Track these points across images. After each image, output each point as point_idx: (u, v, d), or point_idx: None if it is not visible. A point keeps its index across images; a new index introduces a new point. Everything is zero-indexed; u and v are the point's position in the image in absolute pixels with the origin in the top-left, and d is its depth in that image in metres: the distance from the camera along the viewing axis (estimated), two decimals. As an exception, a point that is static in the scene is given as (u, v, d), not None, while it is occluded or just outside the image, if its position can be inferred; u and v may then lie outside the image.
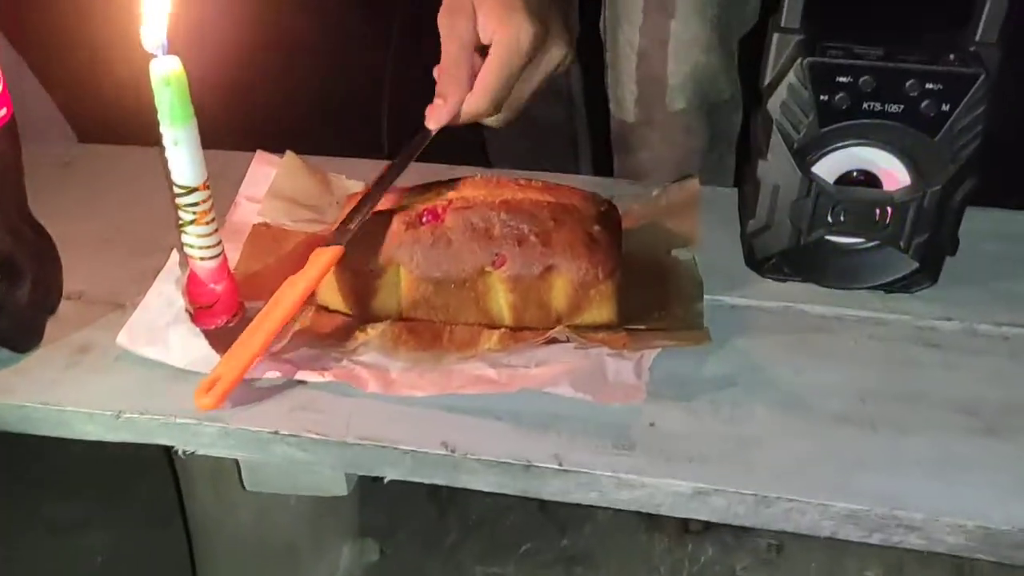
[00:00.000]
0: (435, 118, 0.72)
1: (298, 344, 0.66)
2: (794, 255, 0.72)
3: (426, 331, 0.68)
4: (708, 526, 1.15)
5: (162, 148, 0.62)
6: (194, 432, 0.62)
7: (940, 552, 0.56)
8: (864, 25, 0.68)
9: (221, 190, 0.79)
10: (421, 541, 1.14)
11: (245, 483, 0.66)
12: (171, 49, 0.59)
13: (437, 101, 0.72)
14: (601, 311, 0.67)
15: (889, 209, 0.69)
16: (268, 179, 0.82)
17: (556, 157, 1.26)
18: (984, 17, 0.65)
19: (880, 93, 0.65)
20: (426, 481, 0.61)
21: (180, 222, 0.64)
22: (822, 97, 0.66)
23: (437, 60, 0.73)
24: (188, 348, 0.63)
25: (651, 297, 0.71)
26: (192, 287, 0.67)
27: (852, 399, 0.63)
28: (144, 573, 1.11)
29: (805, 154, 0.68)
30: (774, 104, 0.67)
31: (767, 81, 0.68)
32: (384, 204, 0.70)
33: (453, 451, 0.59)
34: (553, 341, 0.66)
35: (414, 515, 1.15)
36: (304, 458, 0.61)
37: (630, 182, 0.90)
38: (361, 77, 1.50)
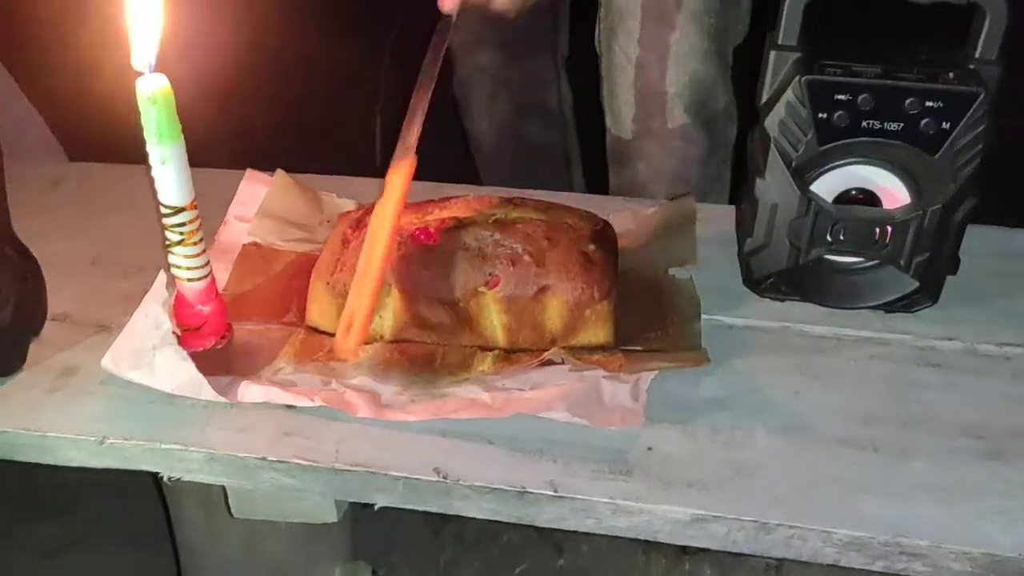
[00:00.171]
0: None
1: (287, 367, 0.65)
2: (793, 274, 0.71)
3: (418, 353, 0.66)
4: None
5: (149, 167, 0.61)
6: (180, 458, 0.60)
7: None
8: (862, 43, 0.67)
9: (211, 209, 0.78)
10: (415, 562, 1.12)
11: (232, 510, 0.65)
12: (160, 66, 0.58)
13: None
14: (597, 332, 0.66)
15: (889, 228, 0.68)
16: (258, 198, 0.81)
17: (549, 175, 1.26)
18: (983, 34, 0.64)
19: (879, 111, 0.64)
20: (418, 508, 0.59)
21: (167, 242, 0.63)
22: (820, 115, 0.65)
23: None
24: (174, 372, 0.62)
25: (648, 317, 0.70)
26: (179, 309, 0.65)
27: (853, 422, 0.62)
28: (132, 597, 1.09)
29: (803, 172, 0.67)
30: (772, 122, 0.66)
31: (764, 99, 0.67)
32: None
33: (445, 477, 0.57)
34: (548, 363, 0.64)
35: (408, 535, 1.14)
36: (292, 485, 0.60)
37: (626, 199, 0.89)
38: (354, 93, 1.50)
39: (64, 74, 1.27)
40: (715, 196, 1.04)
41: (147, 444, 0.60)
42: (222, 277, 0.74)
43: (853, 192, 0.68)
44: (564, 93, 1.23)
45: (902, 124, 0.64)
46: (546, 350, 0.65)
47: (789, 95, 0.65)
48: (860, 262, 0.70)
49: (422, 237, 0.67)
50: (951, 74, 0.64)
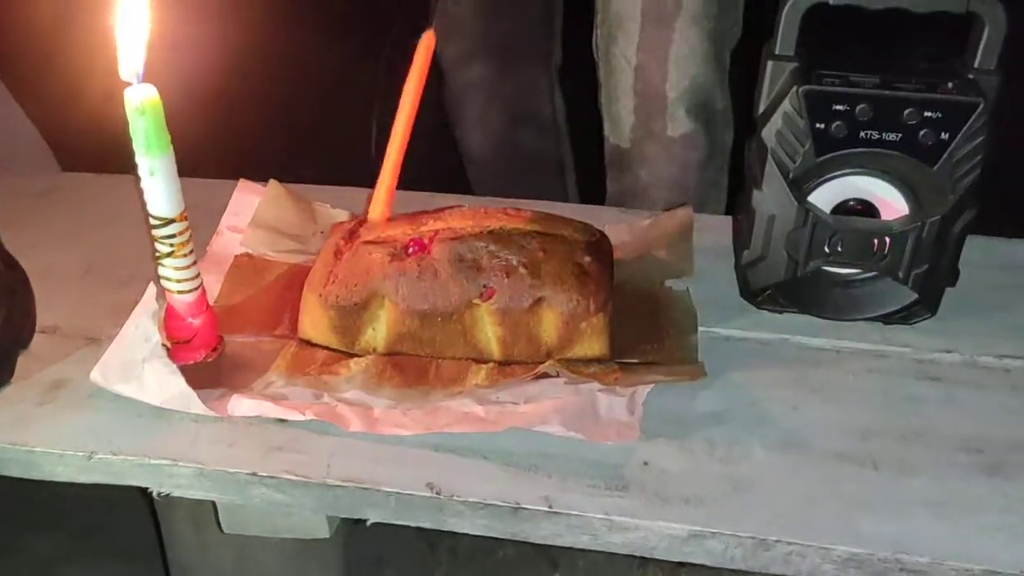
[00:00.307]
0: None
1: (279, 380, 0.64)
2: (790, 286, 0.70)
3: (412, 366, 0.65)
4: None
5: (138, 178, 0.60)
6: (169, 473, 0.59)
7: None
8: (860, 52, 0.67)
9: (203, 219, 0.78)
10: (410, 576, 1.11)
11: (223, 525, 0.64)
12: (151, 75, 0.57)
13: None
14: (592, 344, 0.65)
15: (887, 239, 0.67)
16: (251, 208, 0.80)
17: (543, 185, 1.25)
18: (982, 44, 0.64)
19: (877, 121, 0.63)
20: (411, 524, 0.58)
21: (157, 254, 0.62)
22: (818, 125, 0.64)
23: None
24: (164, 385, 0.61)
25: (644, 329, 0.69)
26: (169, 321, 0.64)
27: (852, 436, 0.61)
28: (124, 611, 1.08)
29: (801, 183, 0.66)
30: (769, 133, 0.65)
31: (761, 109, 0.67)
32: (369, 235, 0.68)
33: (439, 493, 0.56)
34: (543, 376, 0.64)
35: (402, 550, 1.12)
36: (283, 500, 0.59)
37: (621, 210, 0.88)
38: (350, 101, 1.49)
39: (56, 83, 1.26)
40: (713, 202, 1.03)
41: (136, 459, 0.59)
42: (214, 288, 0.73)
43: (851, 203, 0.67)
44: (558, 102, 1.23)
45: (900, 135, 0.64)
46: (541, 363, 0.64)
47: (786, 105, 0.64)
48: (858, 274, 0.70)
49: (416, 248, 0.66)
50: (950, 84, 0.64)
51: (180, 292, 0.63)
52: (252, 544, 0.79)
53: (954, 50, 0.66)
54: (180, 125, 0.61)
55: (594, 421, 0.60)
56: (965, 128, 0.63)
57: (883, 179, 0.66)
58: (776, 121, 0.65)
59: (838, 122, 0.64)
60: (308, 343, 0.67)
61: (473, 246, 0.65)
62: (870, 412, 0.63)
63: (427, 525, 0.58)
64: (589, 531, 0.56)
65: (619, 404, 0.61)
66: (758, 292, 0.71)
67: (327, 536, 0.63)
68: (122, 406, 0.62)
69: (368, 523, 0.59)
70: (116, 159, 0.77)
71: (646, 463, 0.59)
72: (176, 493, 0.60)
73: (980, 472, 0.58)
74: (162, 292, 0.64)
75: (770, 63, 0.66)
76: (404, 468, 0.58)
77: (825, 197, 0.67)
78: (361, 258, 0.66)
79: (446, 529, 0.58)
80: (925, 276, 0.68)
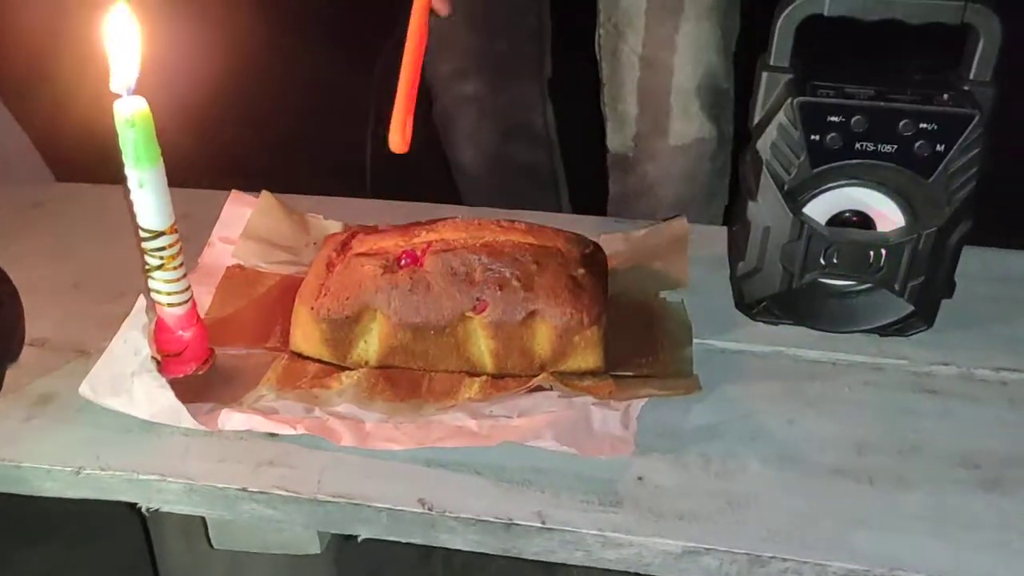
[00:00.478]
0: None
1: (269, 393, 0.63)
2: (786, 298, 0.70)
3: (404, 380, 0.65)
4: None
5: (128, 190, 0.59)
6: (158, 488, 0.59)
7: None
8: (855, 64, 0.66)
9: (195, 230, 0.77)
10: (403, 588, 1.10)
11: (213, 541, 0.63)
12: (143, 85, 0.57)
13: None
14: (586, 358, 0.65)
15: (883, 251, 0.66)
16: (243, 219, 0.80)
17: (536, 197, 1.25)
18: (977, 55, 0.63)
19: (873, 133, 0.63)
20: (402, 540, 0.58)
21: (147, 267, 0.62)
22: (813, 137, 0.64)
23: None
24: (153, 399, 0.60)
25: (639, 341, 0.69)
26: (159, 334, 0.64)
27: (848, 451, 0.60)
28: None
29: (796, 195, 0.66)
30: (764, 144, 0.65)
31: (756, 121, 0.66)
32: (362, 247, 0.67)
33: (431, 509, 0.56)
34: (537, 389, 0.63)
35: (395, 563, 1.12)
36: (273, 516, 0.58)
37: (616, 220, 0.88)
38: (344, 112, 1.48)
39: (50, 92, 1.25)
40: (720, 193, 1.03)
41: (124, 475, 0.59)
42: (206, 300, 0.73)
43: (847, 215, 0.67)
44: (549, 114, 1.23)
45: (896, 146, 0.63)
46: (535, 376, 0.64)
47: (781, 117, 0.64)
48: (854, 286, 0.69)
49: (409, 260, 0.65)
50: (945, 96, 0.63)
51: (170, 305, 0.63)
52: (244, 558, 0.78)
53: (949, 62, 0.66)
54: (172, 136, 0.60)
55: (588, 435, 0.59)
56: (961, 140, 0.62)
57: (879, 191, 0.66)
58: (771, 133, 0.65)
59: (833, 134, 0.63)
60: (300, 356, 0.67)
61: (466, 258, 0.64)
62: (866, 426, 0.62)
63: (419, 541, 0.57)
64: (582, 547, 0.55)
65: (613, 418, 0.60)
66: (753, 304, 0.71)
67: (318, 552, 0.63)
68: (111, 420, 0.61)
69: (359, 539, 0.59)
70: (111, 168, 0.76)
71: (640, 478, 0.58)
72: (165, 508, 0.60)
73: (977, 487, 0.58)
74: (152, 305, 0.64)
75: (765, 74, 0.66)
76: (396, 483, 0.57)
77: (820, 209, 0.67)
78: (353, 271, 0.65)
79: (437, 545, 0.57)
80: (921, 288, 0.67)
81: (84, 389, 0.62)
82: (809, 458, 0.60)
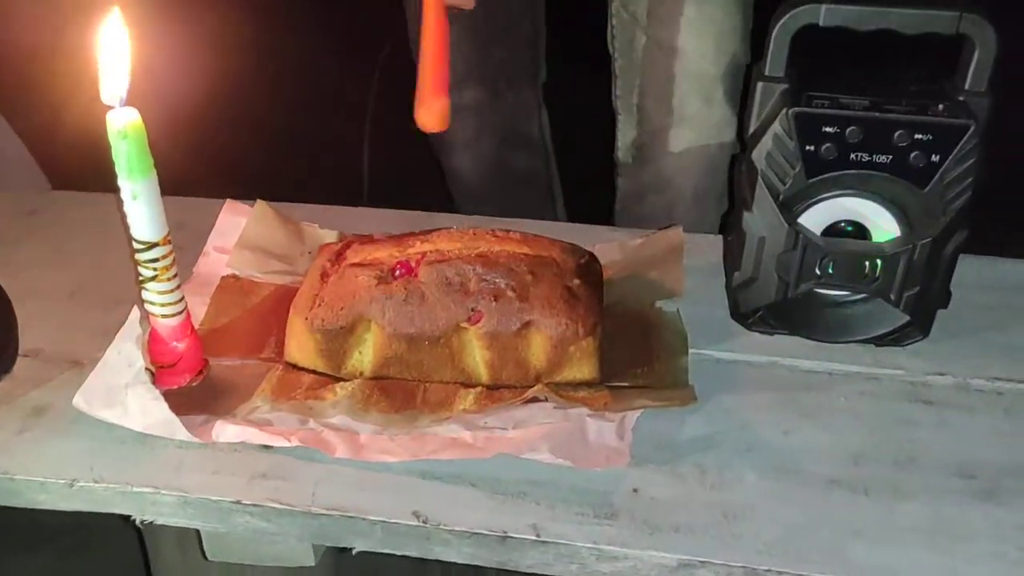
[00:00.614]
0: None
1: (264, 405, 0.63)
2: (781, 308, 0.69)
3: (399, 391, 0.65)
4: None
5: (121, 201, 0.59)
6: (152, 501, 0.58)
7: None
8: (850, 74, 0.66)
9: (189, 240, 0.77)
10: (399, 597, 1.10)
11: (207, 553, 0.63)
12: (137, 91, 0.57)
13: None
14: (582, 368, 0.65)
15: (879, 261, 0.66)
16: (238, 228, 0.80)
17: (533, 205, 1.25)
18: (973, 65, 0.63)
19: (868, 143, 0.63)
20: (397, 552, 0.57)
21: (140, 278, 0.61)
22: (808, 147, 0.64)
23: None
24: (147, 411, 0.60)
25: (634, 352, 0.68)
26: (153, 345, 0.64)
27: (844, 462, 0.60)
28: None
29: (791, 205, 0.66)
30: (759, 154, 0.65)
31: (751, 131, 0.66)
32: (356, 257, 0.67)
33: (425, 522, 0.56)
34: (532, 400, 0.63)
35: (390, 573, 1.11)
36: (268, 528, 0.58)
37: (611, 228, 0.87)
38: (341, 120, 1.48)
39: (46, 100, 1.25)
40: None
41: (118, 487, 0.58)
42: (200, 310, 0.72)
43: (842, 225, 0.67)
44: (544, 120, 1.23)
45: (891, 157, 0.63)
46: (530, 387, 0.64)
47: (776, 127, 0.64)
48: (850, 296, 0.69)
49: (403, 271, 0.65)
50: (940, 106, 0.63)
51: (164, 316, 0.62)
52: (238, 570, 0.78)
53: (944, 72, 0.66)
54: (166, 144, 0.60)
55: (583, 447, 0.59)
56: (956, 150, 0.62)
57: (874, 201, 0.66)
58: (766, 143, 0.65)
59: (828, 144, 0.63)
60: (294, 367, 0.67)
61: (461, 269, 0.64)
62: (862, 436, 0.62)
63: (413, 554, 0.57)
64: (577, 560, 0.55)
65: (608, 429, 0.60)
66: (749, 314, 0.71)
67: (312, 564, 0.62)
68: (105, 432, 0.61)
69: (354, 551, 0.58)
70: (107, 176, 0.76)
71: (635, 490, 0.58)
72: (159, 521, 0.59)
73: (973, 498, 0.57)
74: (146, 316, 0.64)
75: (760, 84, 0.66)
76: (390, 496, 0.57)
77: (816, 219, 0.67)
78: (347, 281, 0.65)
79: (432, 558, 0.57)
80: (917, 298, 0.67)
81: (78, 401, 0.62)
82: (805, 469, 0.59)
